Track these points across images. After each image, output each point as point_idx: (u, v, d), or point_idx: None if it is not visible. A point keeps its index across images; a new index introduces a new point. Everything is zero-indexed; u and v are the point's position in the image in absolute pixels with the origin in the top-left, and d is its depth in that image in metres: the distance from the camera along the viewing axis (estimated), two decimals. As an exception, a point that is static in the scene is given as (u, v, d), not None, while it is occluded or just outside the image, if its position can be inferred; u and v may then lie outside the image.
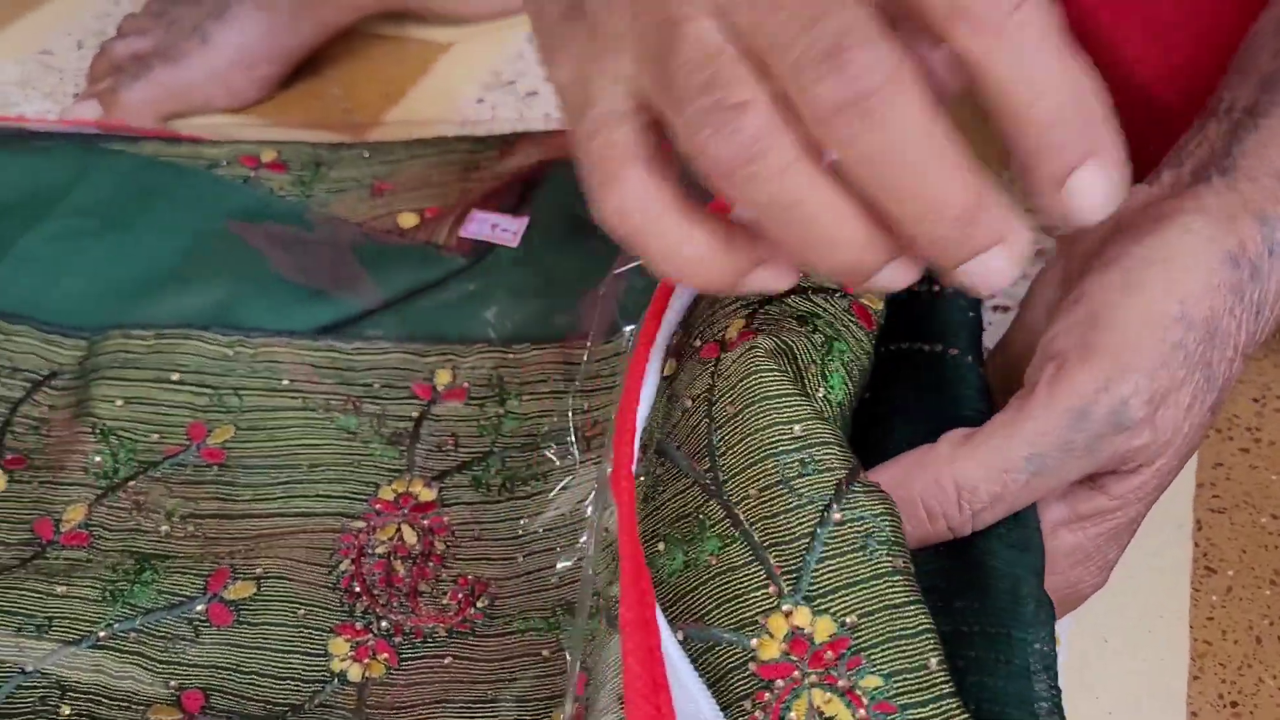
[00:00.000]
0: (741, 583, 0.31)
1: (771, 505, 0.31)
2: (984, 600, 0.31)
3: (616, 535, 0.33)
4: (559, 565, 0.39)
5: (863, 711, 0.28)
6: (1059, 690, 0.30)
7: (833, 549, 0.30)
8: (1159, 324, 0.32)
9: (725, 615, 0.31)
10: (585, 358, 0.43)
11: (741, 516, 0.32)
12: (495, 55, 0.71)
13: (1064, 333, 0.33)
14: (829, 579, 0.30)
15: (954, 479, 0.31)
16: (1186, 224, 0.34)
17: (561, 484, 0.41)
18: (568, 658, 0.36)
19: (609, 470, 0.35)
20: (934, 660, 0.29)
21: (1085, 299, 0.33)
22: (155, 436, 0.44)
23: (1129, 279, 0.33)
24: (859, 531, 0.31)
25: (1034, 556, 0.32)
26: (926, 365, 0.37)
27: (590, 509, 0.40)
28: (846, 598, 0.30)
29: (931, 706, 0.28)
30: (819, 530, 0.31)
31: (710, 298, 0.37)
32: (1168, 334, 0.32)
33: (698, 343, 0.36)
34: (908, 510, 0.32)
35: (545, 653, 0.37)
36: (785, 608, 0.30)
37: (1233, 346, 0.33)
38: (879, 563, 0.30)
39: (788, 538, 0.31)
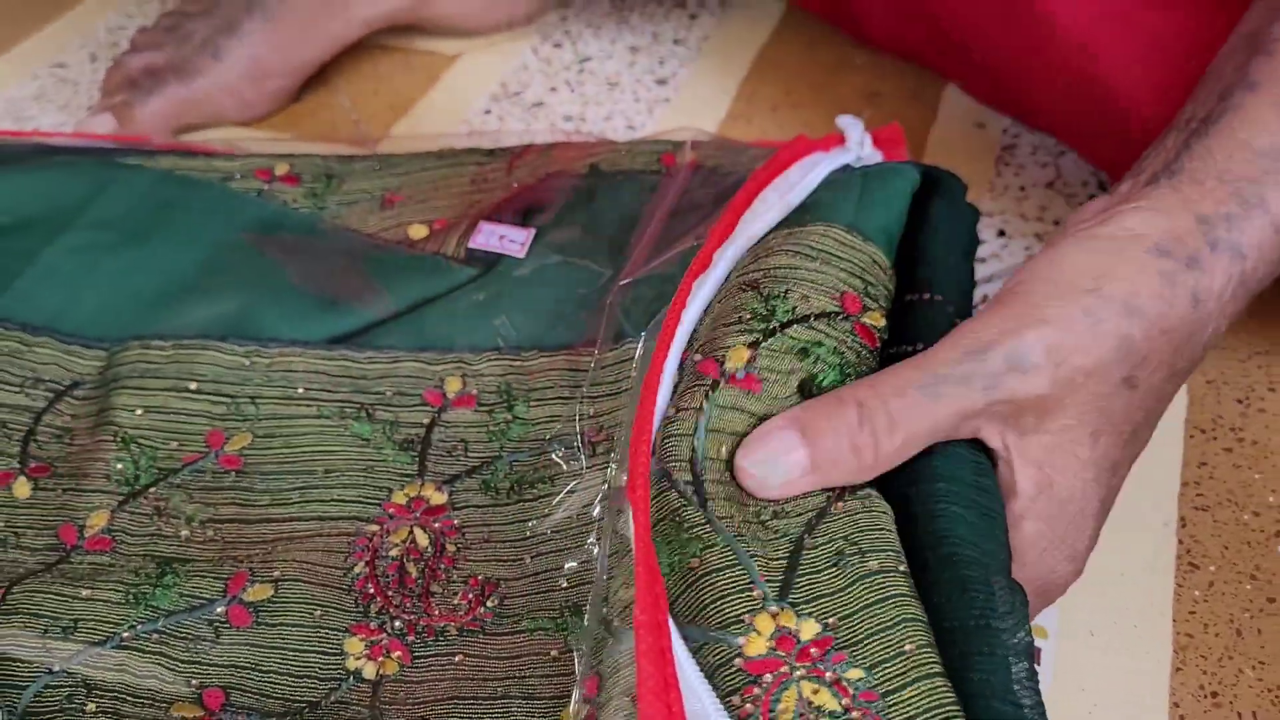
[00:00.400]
0: (725, 585, 0.33)
1: (757, 525, 0.34)
2: (960, 595, 0.32)
3: (631, 541, 0.35)
4: (566, 566, 0.40)
5: (848, 700, 0.30)
6: (1036, 673, 0.31)
7: (809, 562, 0.33)
8: (1069, 292, 0.34)
9: (711, 615, 0.33)
10: (592, 365, 0.45)
11: (723, 528, 0.34)
12: (501, 67, 0.73)
13: (987, 307, 0.36)
14: (811, 588, 0.33)
15: (853, 399, 0.34)
16: (1120, 221, 0.36)
17: (568, 487, 0.42)
18: (575, 658, 0.38)
19: (624, 478, 0.36)
20: (909, 645, 0.31)
21: (1014, 281, 0.36)
22: (174, 444, 0.45)
23: (1053, 259, 0.36)
24: (838, 540, 0.33)
25: (999, 546, 0.33)
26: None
27: (597, 511, 0.41)
28: (826, 603, 0.32)
29: (912, 688, 0.30)
30: (802, 550, 0.33)
31: (715, 313, 0.39)
32: (1079, 301, 0.34)
33: (698, 356, 0.38)
34: (824, 445, 0.34)
35: (554, 653, 0.39)
36: (772, 609, 0.32)
37: (1158, 328, 0.35)
38: (854, 569, 0.33)
39: (773, 552, 0.33)
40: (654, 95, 0.70)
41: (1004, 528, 0.34)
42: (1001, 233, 0.58)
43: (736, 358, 0.37)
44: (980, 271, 0.55)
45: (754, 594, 0.33)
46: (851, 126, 0.52)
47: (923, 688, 0.30)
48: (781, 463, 0.34)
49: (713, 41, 0.74)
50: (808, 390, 0.37)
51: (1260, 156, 0.37)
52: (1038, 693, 0.31)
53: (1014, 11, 0.55)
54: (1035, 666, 0.31)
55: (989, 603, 0.32)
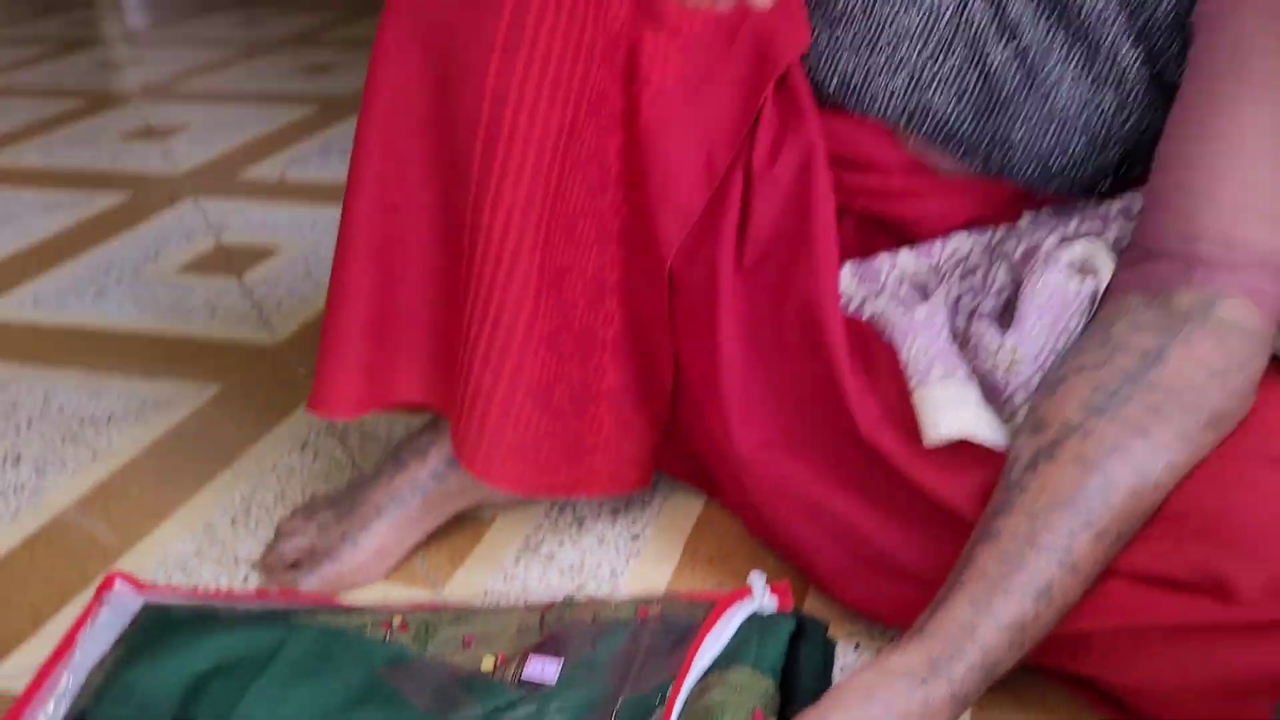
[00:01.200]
0: None
1: None
2: None
3: None
4: None
5: None
6: None
7: None
8: (853, 699, 0.64)
9: None
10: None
11: None
12: (524, 526, 1.06)
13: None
14: None
15: None
16: (887, 659, 0.67)
17: None
18: None
19: None
20: None
21: (827, 693, 0.67)
22: None
23: (851, 684, 0.66)
24: None
25: None
26: None
27: None
28: None
29: None
30: None
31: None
32: (859, 703, 0.64)
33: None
34: None
35: None
36: None
37: (900, 716, 0.65)
38: None
39: None
40: (629, 549, 1.02)
41: None
42: (857, 645, 0.89)
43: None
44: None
45: None
46: (757, 581, 0.83)
47: None
48: None
49: (670, 502, 1.08)
50: None
51: (962, 627, 0.69)
52: None
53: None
54: None
55: None
